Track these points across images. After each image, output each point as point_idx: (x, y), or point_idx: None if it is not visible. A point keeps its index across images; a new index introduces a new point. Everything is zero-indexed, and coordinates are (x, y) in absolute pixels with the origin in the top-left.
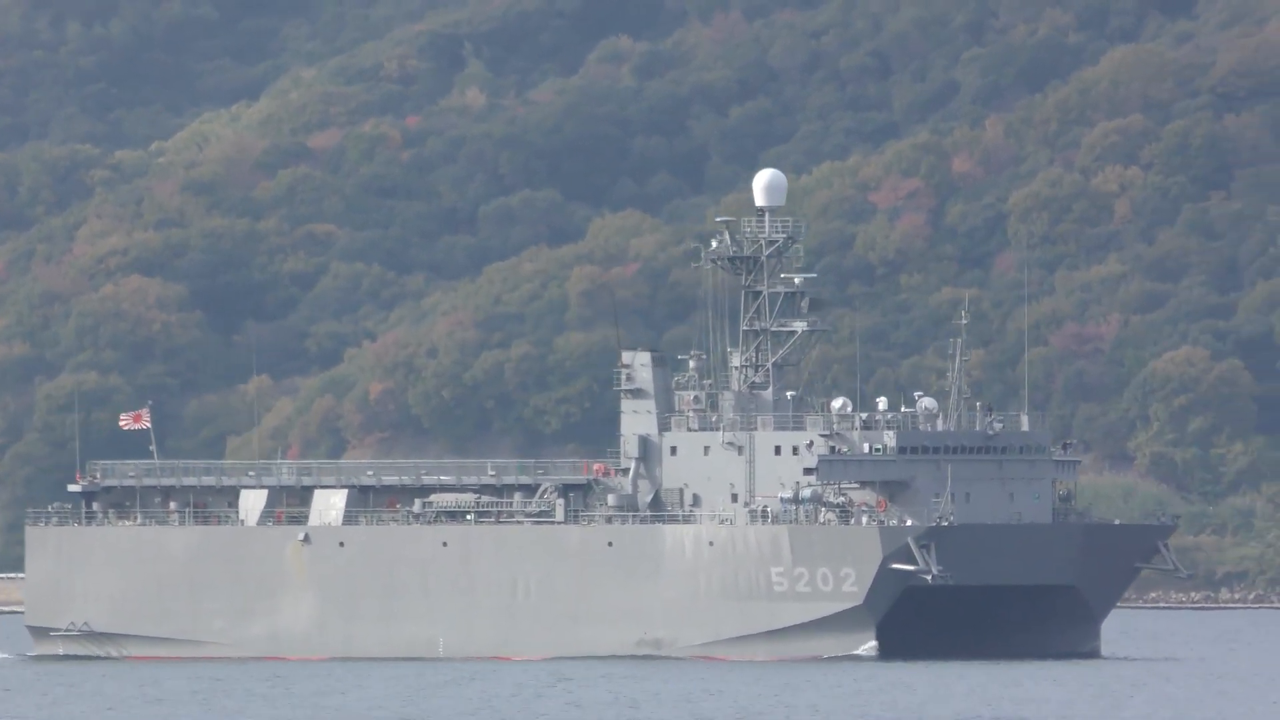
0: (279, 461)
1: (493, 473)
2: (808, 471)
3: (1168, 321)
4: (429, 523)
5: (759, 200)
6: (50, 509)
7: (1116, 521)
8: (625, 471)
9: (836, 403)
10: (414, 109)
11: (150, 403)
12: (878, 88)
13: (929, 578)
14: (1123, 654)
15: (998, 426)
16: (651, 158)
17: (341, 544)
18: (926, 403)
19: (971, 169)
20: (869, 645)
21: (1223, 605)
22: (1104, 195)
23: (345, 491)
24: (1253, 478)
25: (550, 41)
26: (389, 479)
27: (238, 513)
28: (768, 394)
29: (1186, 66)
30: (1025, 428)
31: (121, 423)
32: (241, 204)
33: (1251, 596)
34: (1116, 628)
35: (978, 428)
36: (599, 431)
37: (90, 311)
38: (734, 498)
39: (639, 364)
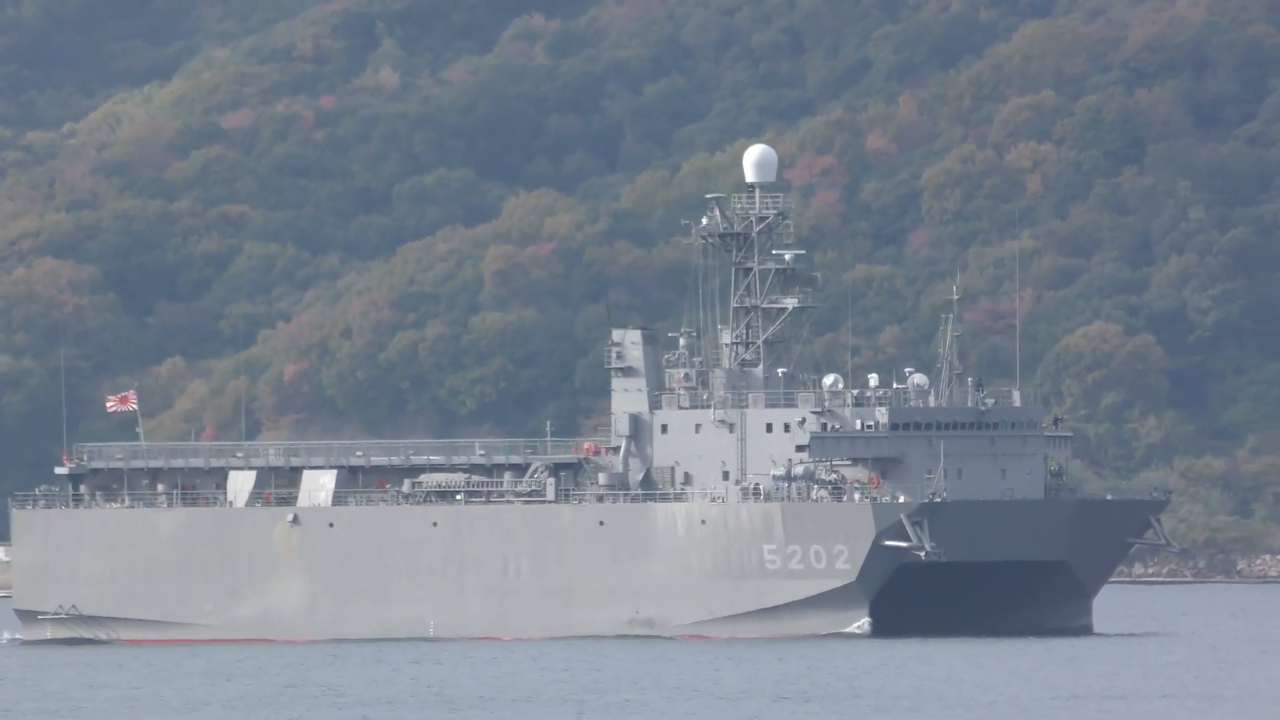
0: (267, 442)
1: (483, 452)
2: (799, 449)
3: (1080, 297)
4: (419, 503)
5: (749, 176)
6: (37, 492)
7: (1108, 497)
8: (616, 450)
9: (828, 379)
10: (328, 88)
11: (137, 384)
12: (791, 65)
13: (922, 554)
14: (1116, 629)
15: (990, 403)
16: (566, 136)
17: (331, 525)
18: (918, 379)
19: (885, 146)
20: (862, 623)
21: (1141, 579)
22: (1016, 171)
23: (334, 472)
24: (1165, 453)
25: (464, 20)
26: (378, 459)
27: (226, 494)
28: (758, 371)
29: (1098, 42)
30: (1017, 404)
31: (109, 405)
32: (154, 185)
33: (1165, 571)
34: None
35: (969, 404)
36: (514, 412)
37: (2, 294)
38: (725, 475)
39: (629, 342)
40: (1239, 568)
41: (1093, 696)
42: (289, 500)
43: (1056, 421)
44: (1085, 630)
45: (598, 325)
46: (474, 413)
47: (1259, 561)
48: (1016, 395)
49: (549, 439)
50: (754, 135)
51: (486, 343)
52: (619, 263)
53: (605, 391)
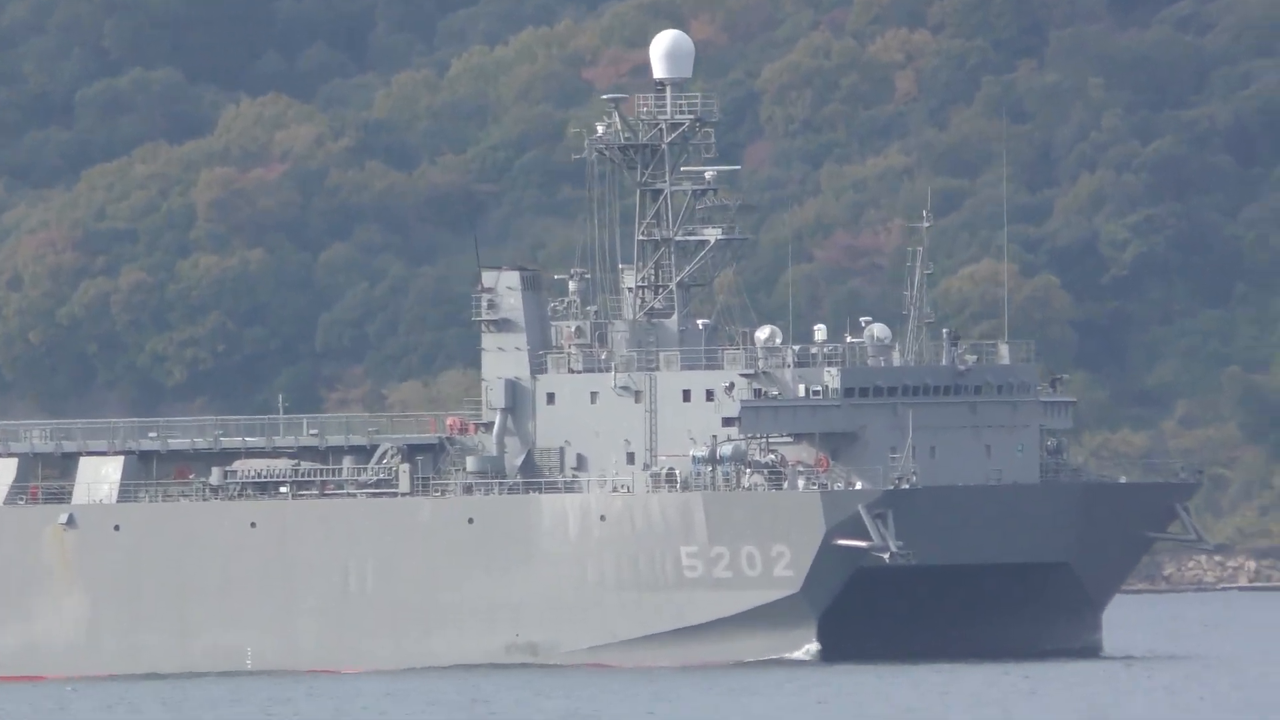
0: (31, 422)
1: (314, 431)
2: (727, 422)
3: (964, 228)
4: (232, 497)
5: (658, 71)
6: None
7: (1122, 480)
8: (488, 427)
9: (762, 333)
10: None
11: None
12: None
13: (885, 556)
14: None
15: (970, 360)
16: (300, 26)
17: (117, 528)
18: (877, 330)
19: (713, 35)
20: (808, 647)
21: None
22: (882, 67)
23: (120, 459)
24: (1073, 424)
25: None
26: (177, 442)
27: None
28: (672, 323)
29: None
30: (1005, 361)
31: None
32: None
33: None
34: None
35: (944, 362)
36: (236, 383)
37: None
38: (630, 458)
39: (504, 286)
40: (1166, 572)
41: None
42: (61, 497)
43: (1055, 383)
44: (1093, 651)
45: (351, 266)
46: (183, 384)
47: (1190, 564)
48: (1004, 350)
49: (415, 414)
50: (544, 23)
51: (199, 294)
52: (372, 189)
53: (357, 356)
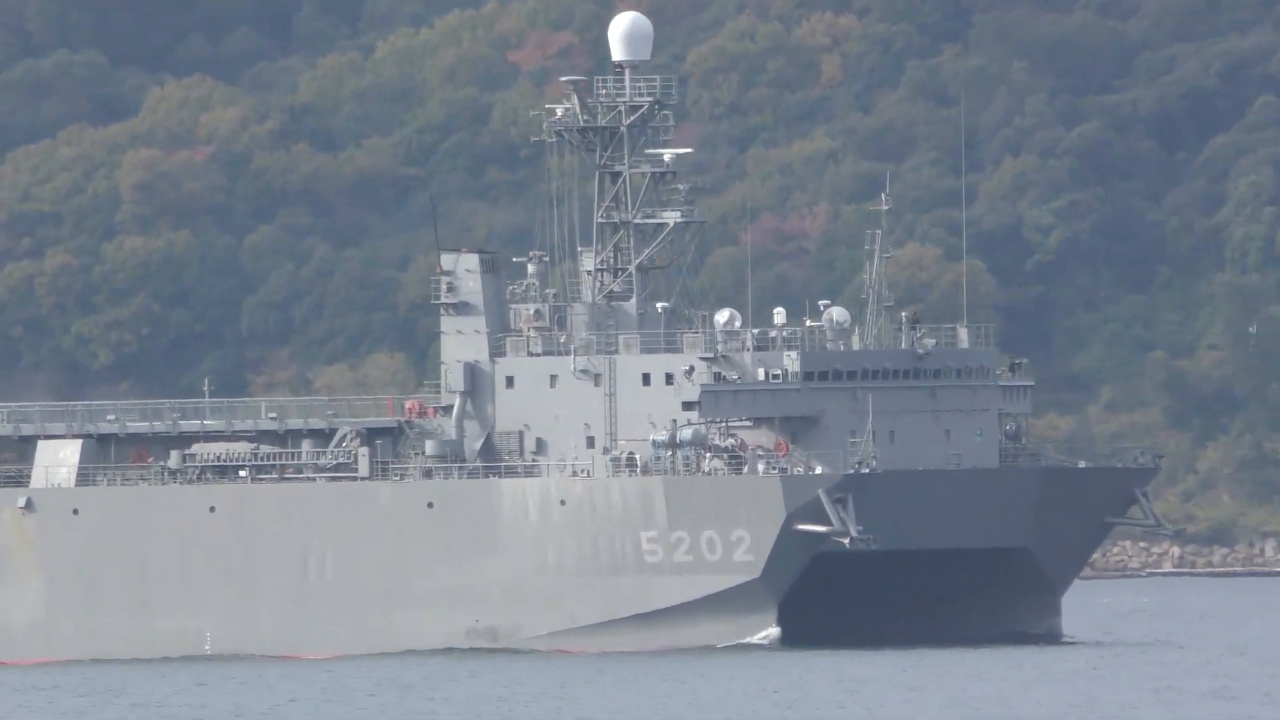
0: None
1: (273, 414)
2: (687, 406)
3: (889, 212)
4: (191, 481)
5: (618, 53)
6: None
7: (1081, 464)
8: (447, 410)
9: (721, 316)
10: None
11: None
12: None
13: (845, 541)
14: (1087, 636)
15: (929, 344)
16: (225, 8)
17: (75, 511)
18: (836, 314)
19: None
20: (768, 632)
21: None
22: (808, 51)
23: (79, 442)
24: None
25: None
26: (136, 425)
27: None
28: (631, 306)
29: None
30: (964, 344)
31: None
32: None
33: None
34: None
35: (904, 346)
36: (161, 367)
37: None
38: (590, 442)
39: (463, 269)
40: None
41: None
42: (20, 480)
43: (1014, 367)
44: (1052, 636)
45: (277, 250)
46: (109, 367)
47: (1115, 551)
48: (964, 334)
49: (375, 397)
50: (469, 5)
51: (125, 276)
52: (298, 172)
53: (283, 339)
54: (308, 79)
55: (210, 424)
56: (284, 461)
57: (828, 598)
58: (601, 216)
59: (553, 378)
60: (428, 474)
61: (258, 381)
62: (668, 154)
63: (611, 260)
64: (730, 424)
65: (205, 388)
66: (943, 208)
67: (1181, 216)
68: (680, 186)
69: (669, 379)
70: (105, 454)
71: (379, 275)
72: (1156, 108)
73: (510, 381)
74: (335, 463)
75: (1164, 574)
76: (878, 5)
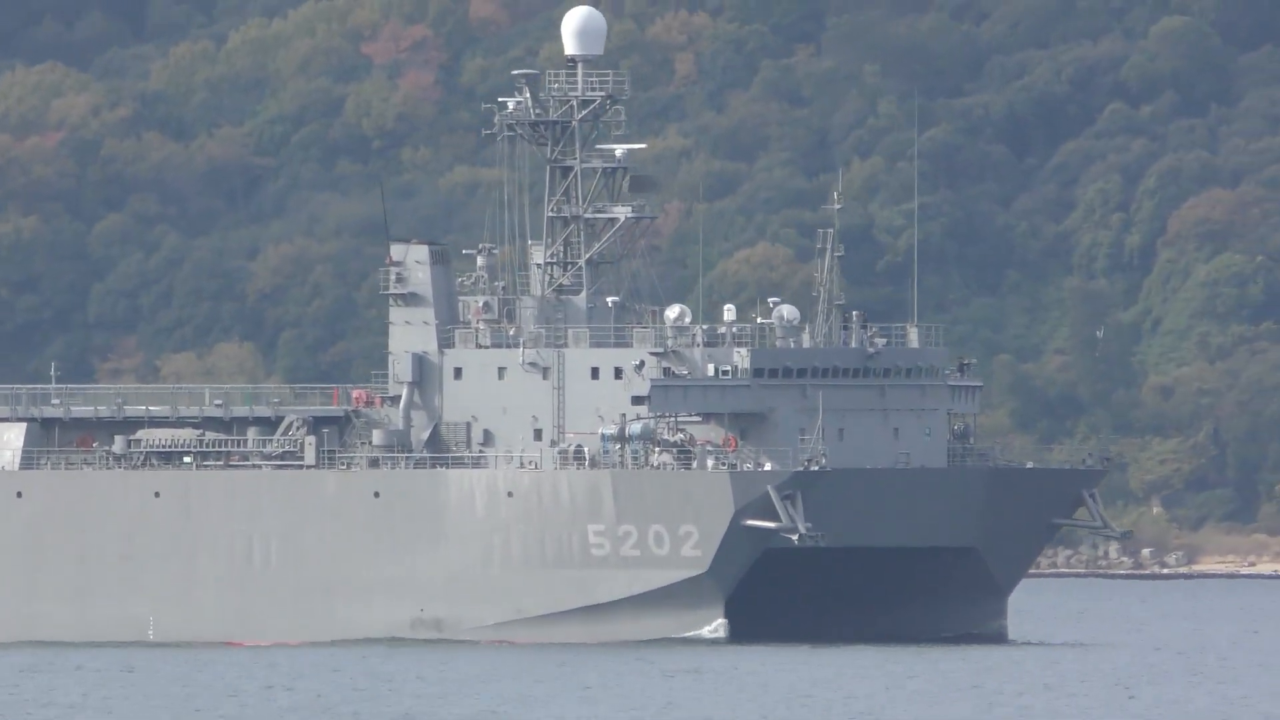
0: None
1: (218, 401)
2: (636, 401)
3: (741, 211)
4: (135, 467)
5: (570, 48)
6: None
7: (1029, 465)
8: (395, 400)
9: (672, 311)
10: None
11: None
12: None
13: (794, 538)
14: (1036, 635)
15: (879, 343)
16: None
17: (19, 494)
18: (786, 311)
19: (493, 14)
20: (715, 624)
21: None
22: (662, 48)
23: (23, 426)
24: None
25: None
26: (81, 410)
27: None
28: (580, 300)
29: None
30: (914, 344)
31: None
32: None
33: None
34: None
35: (854, 344)
36: (7, 351)
37: None
38: (538, 435)
39: (413, 260)
40: None
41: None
42: None
43: (963, 367)
44: (998, 636)
45: (126, 237)
46: None
47: None
48: (914, 333)
49: (322, 386)
50: None
51: None
52: (148, 160)
53: (131, 326)
54: (160, 67)
55: (155, 410)
56: (229, 449)
57: (776, 594)
58: (552, 210)
59: (501, 370)
60: (374, 463)
61: (104, 368)
62: (619, 149)
63: (562, 254)
64: (680, 419)
65: (52, 373)
66: (794, 207)
67: (1030, 221)
68: (653, 177)
69: (618, 373)
70: (49, 438)
71: (228, 265)
72: (1007, 112)
73: (458, 373)
74: (281, 450)
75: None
76: (731, 5)
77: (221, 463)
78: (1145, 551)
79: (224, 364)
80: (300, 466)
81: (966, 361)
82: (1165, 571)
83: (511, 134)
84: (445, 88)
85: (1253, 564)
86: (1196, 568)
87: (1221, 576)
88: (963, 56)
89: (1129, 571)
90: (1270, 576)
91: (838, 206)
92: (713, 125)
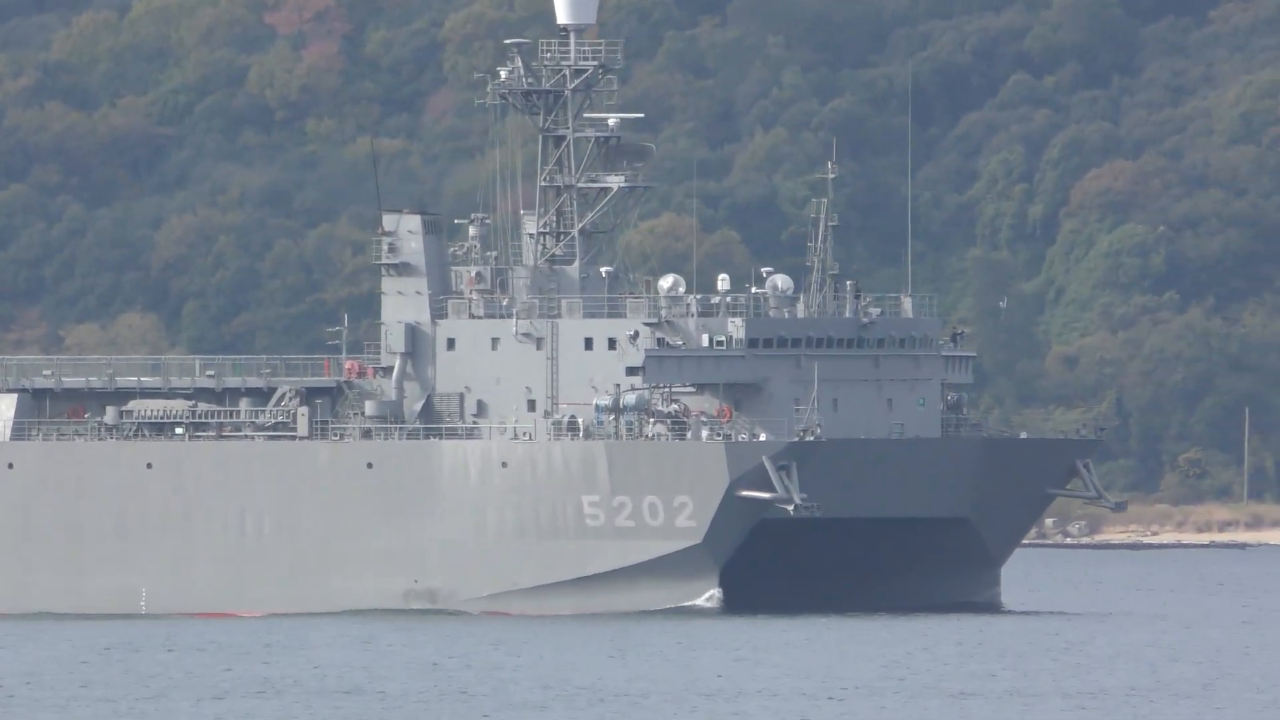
0: None
1: (211, 372)
2: (630, 371)
3: (643, 182)
4: (127, 438)
5: (562, 16)
6: None
7: (1023, 435)
8: (387, 371)
9: (665, 282)
10: None
11: None
12: None
13: (789, 508)
14: (1030, 606)
15: (874, 312)
16: None
17: (11, 466)
18: (779, 281)
19: None
20: (710, 595)
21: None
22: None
23: (14, 396)
24: None
25: None
26: (73, 381)
27: None
28: (573, 270)
29: None
30: (909, 314)
31: None
32: None
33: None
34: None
35: (848, 314)
36: None
37: None
38: (532, 406)
39: (405, 230)
40: None
41: (990, 694)
42: None
43: (956, 337)
44: (992, 605)
45: (28, 207)
46: None
47: None
48: (908, 303)
49: (314, 356)
50: None
51: None
52: (51, 130)
53: (34, 297)
54: (62, 36)
55: (147, 381)
56: (222, 420)
57: (771, 564)
58: (544, 180)
59: (494, 340)
60: (367, 434)
61: (7, 338)
62: (612, 119)
63: (554, 224)
64: (674, 390)
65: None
66: (699, 178)
67: (934, 192)
68: (649, 145)
69: (612, 344)
70: (40, 409)
71: (132, 235)
72: (911, 83)
73: (451, 343)
74: (274, 421)
75: None
76: None
77: (214, 434)
78: (1048, 521)
79: (127, 334)
80: (293, 438)
81: (959, 331)
82: (1069, 542)
83: (504, 102)
84: (349, 58)
85: (1155, 534)
86: (1099, 538)
87: (1124, 547)
88: (867, 27)
89: (1033, 541)
90: (1173, 546)
91: (832, 176)
92: (616, 95)
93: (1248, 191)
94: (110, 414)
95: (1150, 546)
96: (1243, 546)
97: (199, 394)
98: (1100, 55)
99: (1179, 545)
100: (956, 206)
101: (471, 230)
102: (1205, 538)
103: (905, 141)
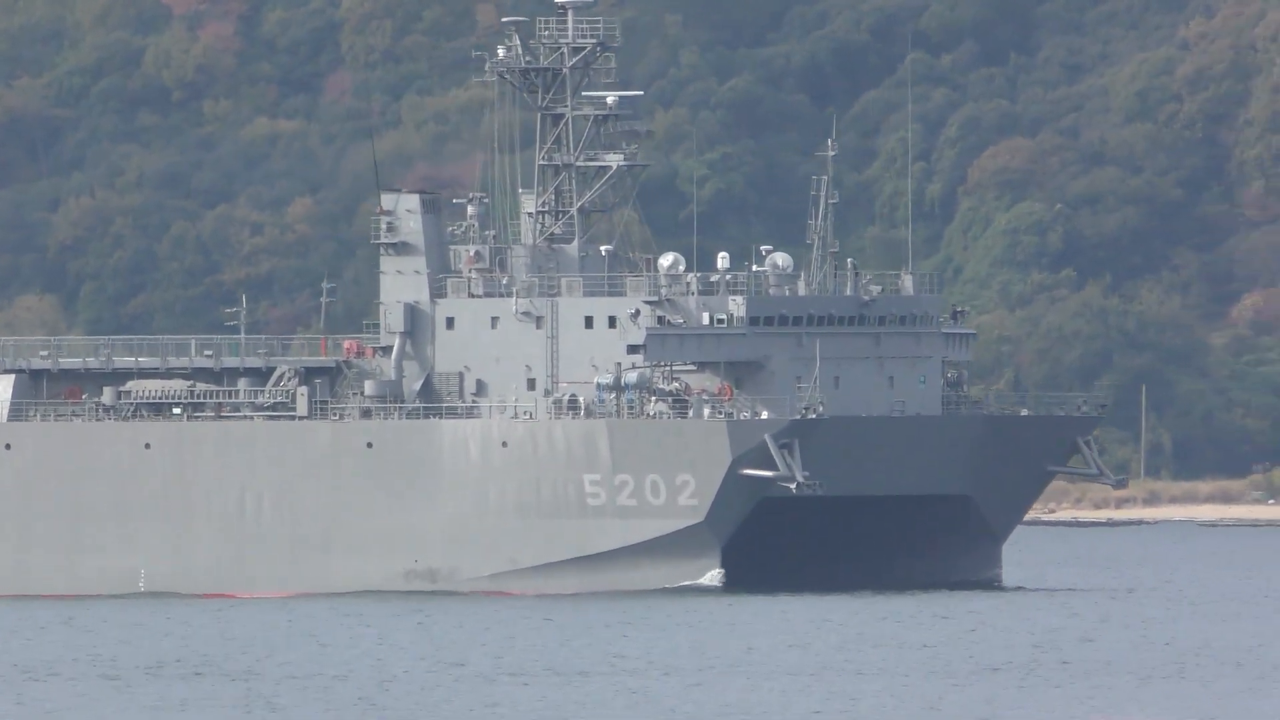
0: None
1: (209, 352)
2: (631, 350)
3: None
4: (126, 418)
5: None
6: None
7: (1024, 412)
8: (387, 350)
9: (665, 260)
10: None
11: None
12: None
13: (792, 486)
14: (1032, 583)
15: (874, 290)
16: None
17: (8, 446)
18: (779, 259)
19: None
20: (712, 574)
21: None
22: None
23: (11, 377)
24: None
25: None
26: (70, 361)
27: None
28: (573, 248)
29: None
30: (909, 292)
31: None
32: None
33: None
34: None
35: (848, 292)
36: None
37: None
38: (532, 385)
39: (404, 209)
40: None
41: (984, 669)
42: None
43: (956, 315)
44: (993, 583)
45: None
46: None
47: None
48: (908, 281)
49: (313, 336)
50: None
51: None
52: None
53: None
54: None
55: (145, 361)
56: (221, 400)
57: (774, 542)
58: (543, 159)
59: (494, 319)
60: (367, 414)
61: None
62: (611, 96)
63: (553, 203)
64: (675, 368)
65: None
66: None
67: (833, 170)
68: (636, 129)
69: (612, 322)
70: (38, 389)
71: (28, 217)
72: (808, 62)
73: (451, 323)
74: (273, 401)
75: None
76: None
77: (212, 414)
78: None
79: (25, 316)
80: (292, 418)
81: (960, 309)
82: None
83: (501, 81)
84: (245, 39)
85: (1052, 510)
86: None
87: (1025, 523)
88: (764, 6)
89: None
90: (1070, 523)
91: (832, 154)
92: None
93: (1144, 169)
94: (108, 394)
95: (1046, 524)
96: (1138, 524)
97: (197, 374)
98: (997, 33)
99: (1076, 523)
100: (855, 185)
101: (470, 209)
102: (1103, 514)
103: (802, 120)
